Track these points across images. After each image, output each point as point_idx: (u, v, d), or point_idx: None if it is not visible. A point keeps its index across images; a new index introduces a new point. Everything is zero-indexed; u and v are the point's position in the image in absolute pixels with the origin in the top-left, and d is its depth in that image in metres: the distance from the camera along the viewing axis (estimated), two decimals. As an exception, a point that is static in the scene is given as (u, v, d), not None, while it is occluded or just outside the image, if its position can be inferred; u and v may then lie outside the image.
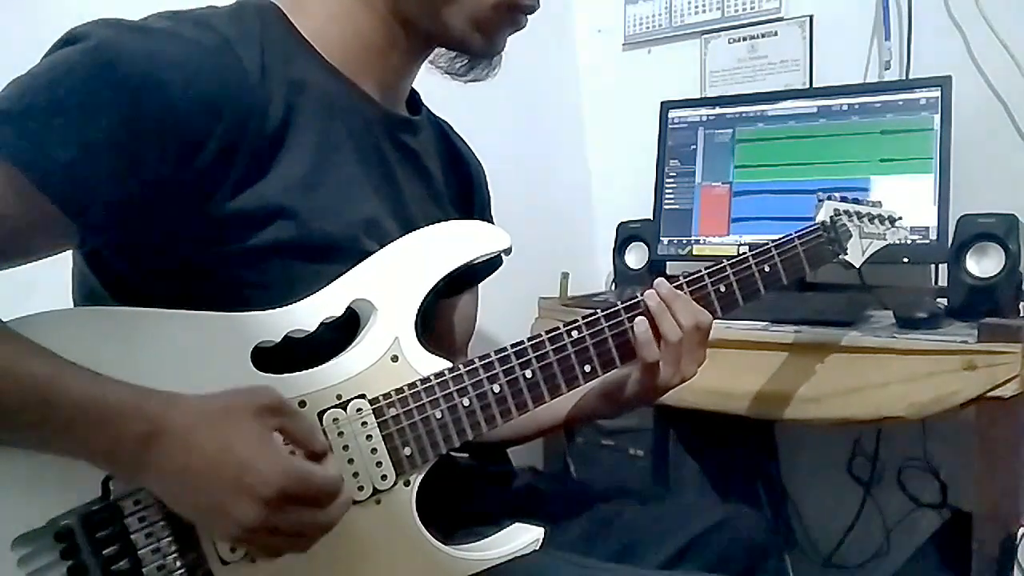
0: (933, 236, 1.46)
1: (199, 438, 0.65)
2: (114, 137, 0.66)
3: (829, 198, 1.07)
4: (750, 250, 0.94)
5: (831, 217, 1.04)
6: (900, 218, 1.17)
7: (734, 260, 0.92)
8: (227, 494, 0.64)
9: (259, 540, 0.67)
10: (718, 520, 0.99)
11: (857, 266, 1.08)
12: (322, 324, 0.75)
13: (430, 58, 0.91)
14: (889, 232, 1.14)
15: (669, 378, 0.88)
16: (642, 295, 0.87)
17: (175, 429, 0.65)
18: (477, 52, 0.87)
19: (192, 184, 0.70)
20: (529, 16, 0.87)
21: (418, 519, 0.77)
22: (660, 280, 0.87)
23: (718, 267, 0.91)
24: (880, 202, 1.15)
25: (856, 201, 1.11)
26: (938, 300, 1.40)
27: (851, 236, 1.06)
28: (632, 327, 0.86)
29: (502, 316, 1.17)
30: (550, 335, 0.82)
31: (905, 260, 1.48)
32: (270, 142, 0.74)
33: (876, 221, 1.12)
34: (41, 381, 0.63)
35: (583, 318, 0.84)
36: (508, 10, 0.84)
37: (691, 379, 0.89)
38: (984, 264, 1.32)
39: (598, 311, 0.85)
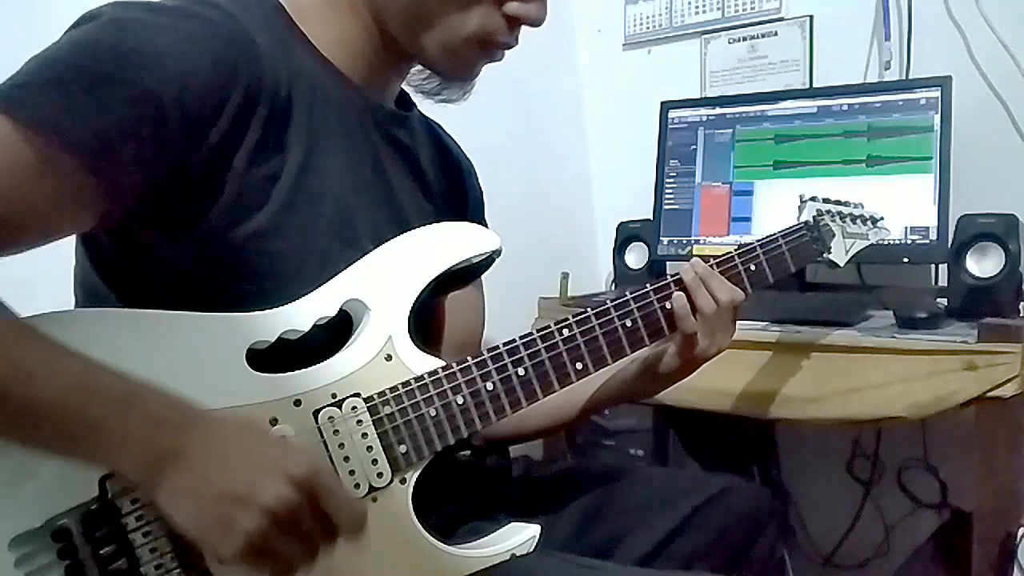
0: (933, 236, 1.45)
1: (234, 429, 0.67)
2: (136, 103, 0.67)
3: (812, 199, 1.09)
4: (736, 250, 0.95)
5: (814, 217, 1.06)
6: (882, 218, 1.18)
7: (720, 259, 0.93)
8: (260, 470, 0.63)
9: (257, 556, 0.64)
10: (714, 492, 1.00)
11: (841, 265, 1.09)
12: (315, 325, 0.76)
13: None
14: (872, 232, 1.16)
15: (706, 348, 0.91)
16: (631, 295, 0.88)
17: (210, 421, 0.66)
18: (448, 77, 0.88)
19: (212, 147, 0.72)
20: (507, 51, 0.87)
21: (415, 517, 0.77)
22: (696, 260, 0.90)
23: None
24: (862, 203, 1.17)
25: (838, 202, 1.12)
26: (938, 300, 1.40)
27: (834, 235, 1.07)
28: (658, 308, 0.89)
29: (502, 316, 1.17)
30: (541, 333, 0.83)
31: (905, 260, 1.48)
32: (278, 115, 0.76)
33: (859, 221, 1.14)
34: (79, 375, 0.63)
35: (574, 316, 0.85)
36: (480, 45, 0.84)
37: (722, 351, 0.94)
38: (984, 264, 1.32)
39: (588, 309, 0.86)
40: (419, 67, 0.90)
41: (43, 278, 0.79)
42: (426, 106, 1.00)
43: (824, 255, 1.06)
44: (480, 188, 1.07)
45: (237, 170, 0.73)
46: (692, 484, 1.02)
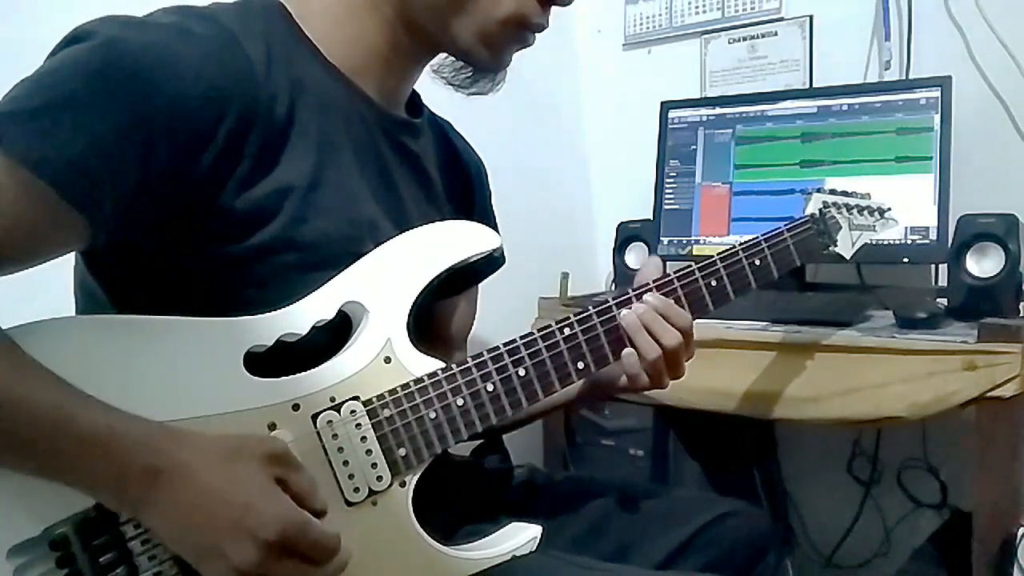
0: (933, 236, 1.45)
1: (205, 476, 0.65)
2: (124, 132, 0.66)
3: (818, 191, 1.07)
4: (741, 244, 0.93)
5: (820, 209, 1.04)
6: (889, 209, 1.17)
7: (724, 254, 0.91)
8: (227, 534, 0.64)
9: None
10: (718, 515, 1.00)
11: (848, 258, 1.08)
12: (314, 327, 0.75)
13: (434, 67, 0.91)
14: (879, 223, 1.14)
15: (647, 388, 0.90)
16: (633, 293, 0.87)
17: (182, 465, 0.65)
18: (482, 65, 0.87)
19: (201, 177, 0.71)
20: (537, 35, 0.86)
21: (415, 519, 0.77)
22: (650, 297, 0.87)
23: (709, 262, 0.90)
24: (869, 194, 1.15)
25: (845, 193, 1.11)
26: (938, 300, 1.40)
27: (840, 228, 1.06)
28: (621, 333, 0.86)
29: (502, 316, 1.17)
30: (542, 333, 0.82)
31: (905, 260, 1.48)
32: (276, 137, 0.75)
33: (865, 213, 1.12)
34: (51, 413, 0.63)
35: (575, 315, 0.84)
36: (516, 27, 0.83)
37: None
38: (984, 264, 1.32)
39: (590, 308, 0.85)
40: (451, 60, 0.89)
41: (43, 279, 0.78)
42: (431, 103, 1.00)
43: (830, 248, 1.05)
44: (488, 189, 1.07)
45: (231, 195, 0.72)
46: (695, 505, 1.02)
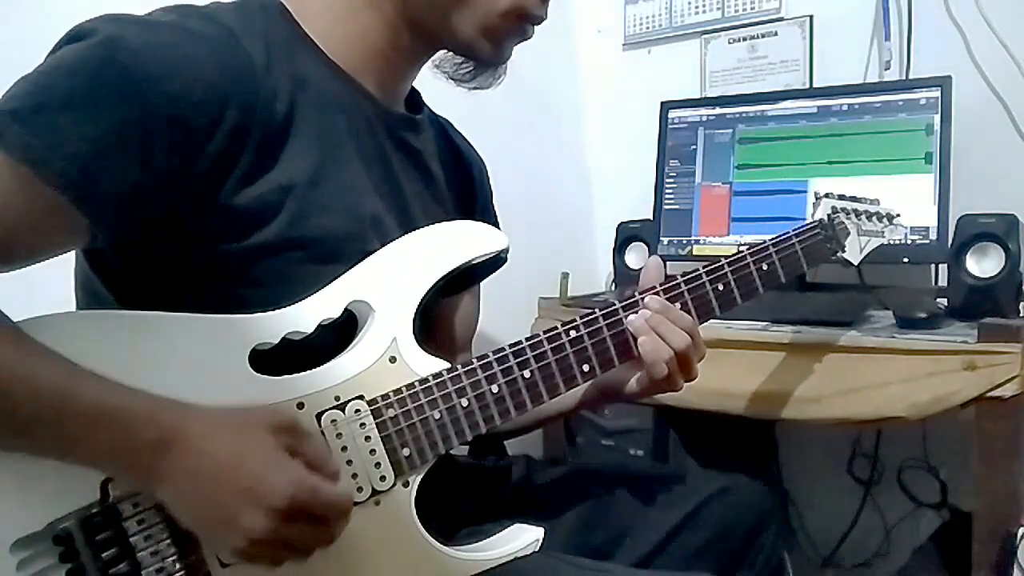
0: (933, 236, 1.46)
1: (213, 446, 0.66)
2: (124, 130, 0.66)
3: (827, 196, 1.07)
4: (748, 248, 0.93)
5: (829, 215, 1.04)
6: (898, 215, 1.16)
7: (732, 259, 0.91)
8: (237, 503, 0.65)
9: (263, 552, 0.67)
10: (715, 491, 1.00)
11: (856, 263, 1.07)
12: (320, 326, 0.75)
13: (435, 63, 0.92)
14: (887, 229, 1.14)
15: (663, 389, 0.89)
16: (639, 295, 0.87)
17: (191, 435, 0.66)
18: (483, 59, 0.88)
19: (202, 175, 0.71)
20: (536, 27, 0.87)
21: (417, 520, 0.77)
22: (650, 300, 0.86)
23: (716, 266, 0.90)
24: (878, 200, 1.15)
25: (854, 199, 1.10)
26: (938, 300, 1.40)
27: (849, 234, 1.06)
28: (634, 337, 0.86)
29: (502, 316, 1.17)
30: (548, 335, 0.82)
31: (905, 260, 1.48)
32: (276, 134, 0.75)
33: (874, 219, 1.11)
34: (57, 388, 0.63)
35: (581, 318, 0.84)
36: (516, 19, 0.84)
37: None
38: (984, 264, 1.32)
39: (596, 311, 0.85)
40: (451, 55, 0.90)
41: (44, 277, 0.78)
42: (432, 103, 1.00)
43: (838, 254, 1.04)
44: (490, 188, 1.07)
45: (231, 192, 0.72)
46: (693, 483, 1.03)
